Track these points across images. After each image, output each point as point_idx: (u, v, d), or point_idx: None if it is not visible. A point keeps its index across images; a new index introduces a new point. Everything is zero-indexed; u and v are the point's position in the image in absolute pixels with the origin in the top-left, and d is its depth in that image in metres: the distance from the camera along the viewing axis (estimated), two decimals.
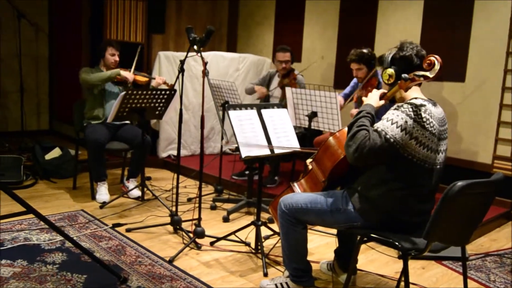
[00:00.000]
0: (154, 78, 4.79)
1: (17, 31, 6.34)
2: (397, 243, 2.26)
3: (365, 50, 4.34)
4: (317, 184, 2.78)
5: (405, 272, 2.30)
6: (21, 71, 6.37)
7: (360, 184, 2.49)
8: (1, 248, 3.26)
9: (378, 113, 2.54)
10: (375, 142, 2.24)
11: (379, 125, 2.30)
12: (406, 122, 2.26)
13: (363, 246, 2.83)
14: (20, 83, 6.34)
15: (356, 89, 4.57)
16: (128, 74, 4.59)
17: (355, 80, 4.66)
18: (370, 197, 2.41)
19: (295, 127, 4.03)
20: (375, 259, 3.53)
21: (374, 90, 2.62)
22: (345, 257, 3.03)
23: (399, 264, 3.39)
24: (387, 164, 2.35)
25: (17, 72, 6.40)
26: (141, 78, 4.72)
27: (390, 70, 2.44)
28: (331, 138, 2.69)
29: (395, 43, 2.54)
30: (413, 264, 3.42)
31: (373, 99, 2.57)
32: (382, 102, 2.56)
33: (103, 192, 4.48)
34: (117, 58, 4.71)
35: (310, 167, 2.85)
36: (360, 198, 2.46)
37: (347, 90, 4.70)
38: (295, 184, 2.91)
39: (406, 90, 2.45)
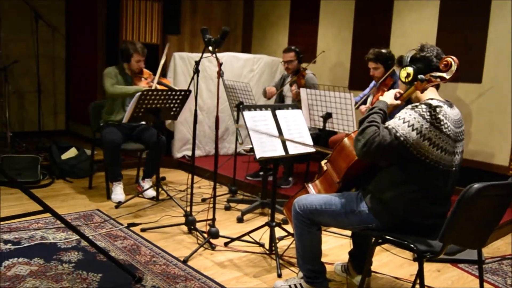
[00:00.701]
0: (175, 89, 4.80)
1: (34, 32, 6.41)
2: (412, 245, 2.24)
3: (383, 50, 4.33)
4: (331, 185, 2.76)
5: (420, 274, 2.27)
6: (38, 71, 6.44)
7: (374, 185, 2.48)
8: (18, 246, 3.29)
9: (392, 114, 2.53)
10: (384, 139, 2.22)
11: (390, 123, 2.29)
12: (418, 122, 2.24)
13: (377, 248, 2.81)
14: (37, 84, 6.42)
15: (371, 90, 4.55)
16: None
17: (373, 83, 4.64)
18: (384, 199, 2.40)
19: (310, 128, 4.02)
20: (389, 261, 3.50)
21: (392, 90, 2.61)
22: (360, 259, 3.01)
23: (414, 267, 3.36)
24: (399, 165, 2.34)
25: (34, 72, 6.47)
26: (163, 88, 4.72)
27: (409, 69, 2.41)
28: (346, 139, 2.68)
29: (411, 44, 2.53)
30: (428, 267, 3.39)
31: (387, 96, 2.55)
32: (398, 102, 2.54)
33: (118, 192, 4.51)
34: (142, 65, 4.69)
35: (324, 168, 2.84)
36: (374, 200, 2.44)
37: (364, 92, 4.67)
38: (310, 185, 2.90)
39: (422, 91, 2.43)
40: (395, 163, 2.35)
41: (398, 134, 2.23)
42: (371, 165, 2.56)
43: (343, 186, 2.70)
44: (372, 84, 4.63)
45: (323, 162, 2.86)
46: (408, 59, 2.45)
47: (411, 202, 2.34)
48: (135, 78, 4.68)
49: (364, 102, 4.55)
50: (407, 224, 2.38)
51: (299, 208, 2.64)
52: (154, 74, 4.72)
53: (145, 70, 4.77)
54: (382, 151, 2.24)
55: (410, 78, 2.41)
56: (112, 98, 4.58)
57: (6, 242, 3.36)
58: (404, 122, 2.25)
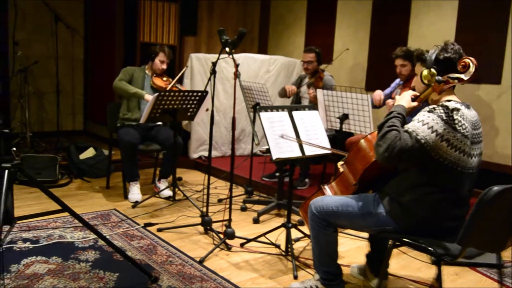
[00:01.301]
0: None
1: (54, 34, 6.49)
2: (430, 248, 2.22)
3: (412, 49, 4.32)
4: (348, 187, 2.75)
5: (438, 278, 2.25)
6: (57, 72, 6.51)
7: (392, 187, 2.46)
8: (37, 245, 3.33)
9: (409, 117, 2.50)
10: (405, 143, 2.20)
11: (410, 126, 2.27)
12: (437, 124, 2.22)
13: (395, 251, 2.78)
14: (56, 85, 6.49)
15: (395, 89, 4.50)
16: (150, 97, 4.45)
17: (396, 81, 4.60)
18: (402, 202, 2.38)
19: (326, 129, 4.00)
20: (407, 264, 3.47)
21: (408, 91, 2.57)
22: (377, 261, 2.99)
23: (432, 270, 3.32)
24: (418, 167, 2.32)
25: (54, 73, 6.55)
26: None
27: (433, 71, 2.37)
28: (362, 141, 2.66)
29: (428, 45, 2.49)
30: (446, 270, 3.35)
31: (404, 99, 2.52)
32: (415, 104, 2.51)
33: (135, 192, 4.53)
34: (165, 66, 4.74)
35: (341, 169, 2.82)
36: (392, 202, 2.42)
37: (387, 90, 4.63)
38: (326, 186, 2.88)
39: (439, 93, 2.40)
40: (414, 166, 2.33)
41: (419, 137, 2.21)
42: (388, 167, 2.53)
43: (359, 188, 2.68)
44: (397, 81, 4.58)
45: (339, 164, 2.85)
46: (433, 59, 2.39)
47: (430, 205, 2.32)
48: (155, 78, 4.72)
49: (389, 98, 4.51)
50: (425, 227, 2.36)
51: (315, 210, 2.63)
52: (173, 79, 4.76)
53: (166, 76, 4.81)
54: (403, 155, 2.22)
55: (432, 81, 2.37)
56: (115, 91, 4.64)
57: (25, 240, 3.40)
58: (423, 125, 2.23)
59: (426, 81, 2.40)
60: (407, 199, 2.36)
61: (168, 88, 4.61)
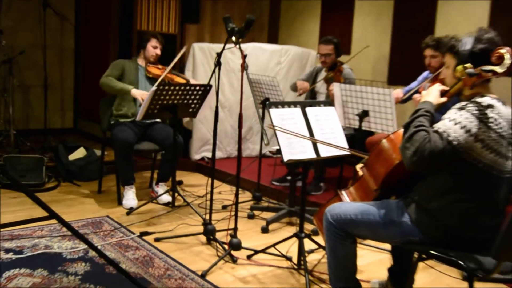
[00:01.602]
0: (189, 80, 4.82)
1: (41, 21, 6.51)
2: (461, 262, 2.20)
3: (445, 39, 4.28)
4: (368, 193, 2.73)
5: None
6: (45, 64, 6.53)
7: (418, 193, 2.44)
8: (20, 256, 3.33)
9: (438, 114, 2.47)
10: (436, 145, 2.18)
11: (440, 126, 2.24)
12: (471, 122, 2.20)
13: (421, 265, 2.76)
14: (44, 77, 6.51)
15: (423, 82, 4.46)
16: (139, 94, 4.49)
17: (424, 74, 4.56)
18: (430, 209, 2.36)
19: (344, 128, 3.98)
20: (434, 279, 3.44)
21: (435, 85, 2.55)
22: (400, 276, 2.98)
23: (463, 287, 3.29)
24: (447, 171, 2.30)
25: (41, 65, 6.57)
26: (176, 78, 4.74)
27: (470, 66, 2.33)
28: (384, 141, 2.64)
29: (458, 33, 2.45)
30: (479, 287, 3.32)
31: (432, 95, 2.50)
32: (444, 99, 2.49)
33: (130, 197, 4.54)
34: (158, 52, 4.79)
35: (360, 173, 2.81)
36: (418, 210, 2.41)
37: (414, 84, 4.58)
38: (343, 192, 2.87)
39: (471, 87, 2.38)
40: (443, 170, 2.31)
41: (450, 138, 2.19)
42: (415, 171, 2.51)
43: (381, 194, 2.67)
44: (425, 74, 4.55)
45: (358, 167, 2.83)
46: (468, 52, 2.34)
47: (460, 213, 2.30)
48: (149, 66, 4.76)
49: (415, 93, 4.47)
50: (455, 238, 2.34)
51: (332, 218, 2.61)
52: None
53: (160, 65, 4.82)
54: (434, 159, 2.19)
55: (463, 73, 2.34)
56: (102, 87, 4.66)
57: (7, 251, 3.40)
58: (455, 124, 2.21)
59: (458, 75, 2.37)
60: (435, 206, 2.34)
61: (166, 74, 4.61)
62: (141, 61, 4.82)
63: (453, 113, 2.26)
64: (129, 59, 4.85)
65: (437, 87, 2.52)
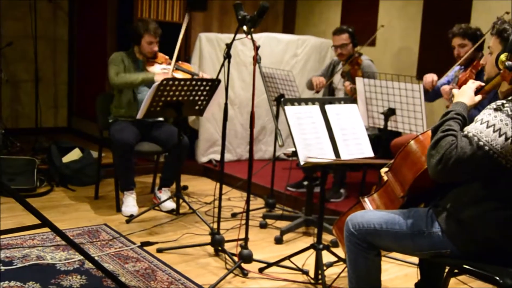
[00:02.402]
0: (198, 75, 4.80)
1: (32, 9, 6.55)
2: (497, 278, 2.20)
3: (473, 27, 4.33)
4: (394, 200, 2.73)
5: None
6: (36, 56, 6.58)
7: (450, 201, 2.44)
8: (10, 267, 3.36)
9: (472, 114, 2.46)
10: (463, 151, 2.15)
11: (470, 129, 2.22)
12: (507, 125, 2.17)
13: (452, 280, 2.76)
14: (34, 71, 6.56)
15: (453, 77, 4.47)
16: (162, 76, 4.50)
17: (455, 68, 4.55)
18: (463, 219, 2.36)
19: (367, 128, 3.99)
20: None
21: (469, 83, 2.54)
22: None
23: None
24: (482, 177, 2.29)
25: (31, 57, 6.62)
26: (183, 75, 4.74)
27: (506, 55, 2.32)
28: (412, 142, 2.64)
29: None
30: None
31: (466, 94, 2.48)
32: (479, 97, 2.48)
33: (130, 204, 4.57)
34: (155, 48, 4.74)
35: (385, 178, 2.81)
36: (450, 220, 2.41)
37: (444, 80, 4.57)
38: (366, 199, 2.88)
39: (510, 82, 2.36)
40: (476, 177, 2.30)
41: (481, 143, 2.16)
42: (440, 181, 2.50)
43: (408, 202, 2.67)
44: (456, 69, 4.55)
45: (382, 171, 2.83)
46: None
47: (497, 223, 2.30)
48: (148, 63, 4.74)
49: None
50: (490, 250, 2.34)
51: (354, 228, 2.62)
52: (172, 58, 4.76)
53: (160, 54, 4.82)
54: (461, 167, 2.17)
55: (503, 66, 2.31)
56: (118, 89, 4.65)
57: None
58: (488, 127, 2.19)
59: (501, 67, 2.32)
60: (467, 215, 2.34)
61: (168, 70, 4.62)
62: (138, 55, 4.80)
63: (486, 115, 2.23)
64: (126, 51, 4.83)
65: (471, 85, 2.50)
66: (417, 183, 2.59)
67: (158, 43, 4.77)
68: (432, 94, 4.50)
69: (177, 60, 4.76)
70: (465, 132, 2.22)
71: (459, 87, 2.51)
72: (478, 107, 2.43)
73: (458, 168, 2.17)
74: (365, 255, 2.62)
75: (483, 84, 2.47)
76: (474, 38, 4.30)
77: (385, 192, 2.80)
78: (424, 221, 2.48)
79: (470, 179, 2.33)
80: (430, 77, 4.45)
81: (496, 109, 2.23)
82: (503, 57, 2.32)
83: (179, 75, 4.69)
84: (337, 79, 5.17)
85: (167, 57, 4.83)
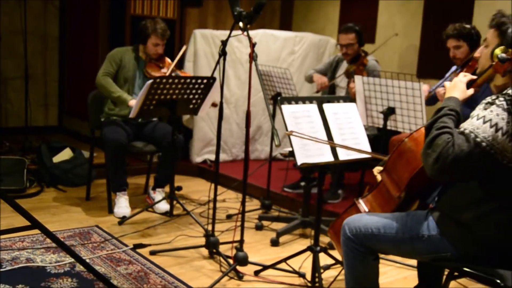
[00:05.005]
0: None
1: (22, 4, 6.54)
2: (498, 281, 2.21)
3: (467, 26, 4.32)
4: (389, 201, 2.73)
5: None
6: (26, 53, 6.56)
7: (448, 203, 2.44)
8: None
9: (464, 109, 2.46)
10: (461, 149, 2.15)
11: (466, 126, 2.22)
12: (503, 119, 2.17)
13: (452, 284, 2.77)
14: (24, 68, 6.54)
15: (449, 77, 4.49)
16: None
17: (452, 69, 4.57)
18: (462, 221, 2.36)
19: (366, 127, 3.99)
20: None
21: (460, 75, 2.51)
22: None
23: None
24: (481, 176, 2.30)
25: (21, 54, 6.60)
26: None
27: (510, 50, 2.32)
28: (407, 140, 2.62)
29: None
30: None
31: (458, 88, 2.47)
32: (471, 91, 2.47)
33: (123, 205, 4.57)
34: (160, 51, 4.74)
35: (379, 178, 2.80)
36: (449, 221, 2.41)
37: (441, 82, 4.60)
38: (361, 200, 2.87)
39: (504, 75, 2.35)
40: (474, 176, 2.31)
41: (478, 139, 2.16)
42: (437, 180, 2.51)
43: (404, 202, 2.68)
44: (452, 69, 4.57)
45: (376, 170, 2.83)
46: None
47: (498, 224, 2.30)
48: (149, 65, 4.74)
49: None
50: (492, 252, 2.35)
51: (351, 232, 2.62)
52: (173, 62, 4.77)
53: (166, 59, 4.82)
54: (460, 166, 2.17)
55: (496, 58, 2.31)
56: (96, 86, 4.67)
57: None
58: (484, 122, 2.18)
59: (496, 59, 2.33)
60: (467, 217, 2.34)
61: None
62: (142, 53, 4.80)
63: (482, 110, 2.22)
64: (131, 47, 4.82)
65: (462, 78, 2.48)
66: (413, 182, 2.59)
67: (164, 46, 4.77)
68: (430, 99, 4.50)
69: (178, 69, 4.78)
70: (462, 129, 2.22)
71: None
72: (470, 103, 2.42)
73: (457, 166, 2.17)
74: (362, 260, 2.63)
75: (474, 77, 2.45)
76: (469, 38, 4.31)
77: (380, 192, 2.80)
78: (423, 224, 2.48)
79: (467, 178, 2.33)
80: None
81: (490, 103, 2.22)
82: (498, 50, 2.33)
83: None
84: (340, 78, 5.16)
85: (171, 62, 4.82)
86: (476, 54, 2.57)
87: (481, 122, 2.19)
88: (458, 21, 4.44)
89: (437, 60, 5.27)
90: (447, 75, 4.57)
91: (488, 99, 2.25)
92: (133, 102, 4.41)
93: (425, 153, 2.25)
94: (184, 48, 4.75)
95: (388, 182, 2.71)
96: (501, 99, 2.21)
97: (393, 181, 2.68)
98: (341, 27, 5.11)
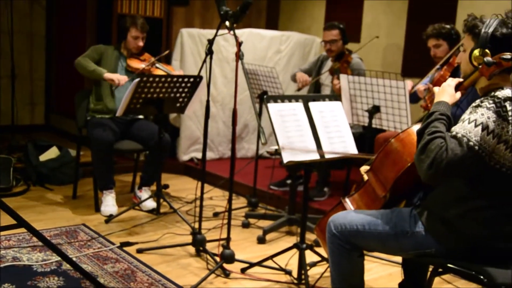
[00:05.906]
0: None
1: (8, 3, 6.49)
2: (482, 277, 2.22)
3: (447, 26, 4.40)
4: (375, 200, 2.74)
5: None
6: (12, 52, 6.52)
7: (433, 200, 2.46)
8: None
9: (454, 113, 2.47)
10: (454, 153, 2.16)
11: (458, 129, 2.23)
12: (494, 122, 2.20)
13: (437, 280, 2.78)
14: (10, 67, 6.50)
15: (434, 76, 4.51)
16: (115, 76, 4.52)
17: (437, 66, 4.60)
18: (447, 218, 2.38)
19: (352, 126, 4.00)
20: None
21: (449, 80, 2.53)
22: None
23: None
24: (467, 176, 2.31)
25: (7, 53, 6.56)
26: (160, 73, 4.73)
27: (487, 51, 2.31)
28: (393, 141, 2.64)
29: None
30: None
31: (447, 92, 2.48)
32: (459, 94, 2.48)
33: (109, 203, 4.55)
34: (140, 43, 4.73)
35: (365, 177, 2.81)
36: (434, 219, 2.42)
37: (425, 81, 4.61)
38: (347, 199, 2.88)
39: (489, 78, 2.37)
40: (464, 177, 2.32)
41: (471, 144, 2.18)
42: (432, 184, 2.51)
43: (390, 201, 2.68)
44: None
45: (363, 170, 2.84)
46: (489, 36, 2.32)
47: (482, 221, 2.32)
48: (130, 59, 4.74)
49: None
50: (476, 249, 2.37)
51: (336, 229, 2.63)
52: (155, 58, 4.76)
53: (145, 53, 4.82)
54: (454, 170, 2.18)
55: (482, 61, 2.33)
56: (76, 67, 4.67)
57: None
58: (476, 126, 2.20)
59: (476, 63, 2.36)
60: (452, 214, 2.36)
61: (145, 67, 4.61)
62: (124, 50, 4.80)
63: (473, 114, 2.24)
64: (113, 46, 4.83)
65: (451, 83, 2.50)
66: (399, 182, 2.60)
67: (144, 40, 4.76)
68: (412, 96, 4.52)
69: (160, 61, 4.77)
70: (454, 133, 2.23)
71: (434, 86, 2.52)
72: (461, 106, 2.43)
73: (450, 170, 2.18)
74: (348, 256, 2.64)
75: (461, 80, 2.48)
76: (449, 37, 4.40)
77: (366, 191, 2.81)
78: (408, 221, 2.49)
79: (459, 180, 2.35)
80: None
81: (478, 106, 2.26)
82: (476, 52, 2.35)
83: (158, 73, 4.68)
84: (324, 75, 5.17)
85: (151, 56, 4.81)
86: (457, 60, 2.59)
87: (473, 126, 2.21)
88: (441, 22, 4.49)
89: (421, 59, 5.27)
90: (426, 80, 4.59)
91: (478, 101, 2.27)
92: (108, 75, 4.50)
93: (418, 158, 2.25)
94: (167, 51, 4.74)
95: (374, 182, 2.72)
96: (490, 101, 2.24)
97: (379, 180, 2.69)
98: (325, 25, 5.12)
